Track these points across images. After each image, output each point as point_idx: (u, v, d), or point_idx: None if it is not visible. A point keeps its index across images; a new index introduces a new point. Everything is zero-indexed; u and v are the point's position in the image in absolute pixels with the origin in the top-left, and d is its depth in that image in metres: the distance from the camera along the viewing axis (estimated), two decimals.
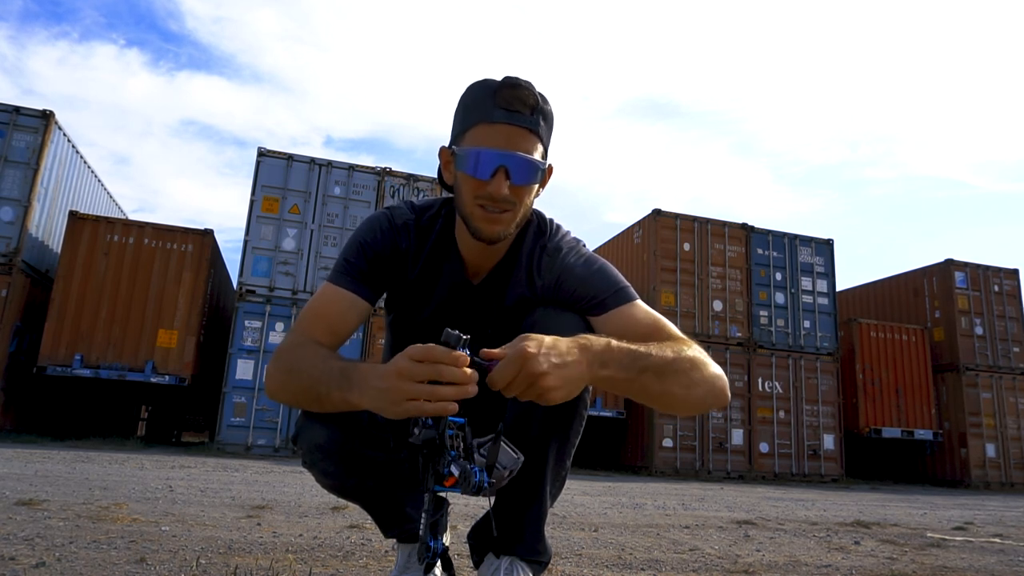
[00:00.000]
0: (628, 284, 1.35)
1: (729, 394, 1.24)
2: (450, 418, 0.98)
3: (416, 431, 0.98)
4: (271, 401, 9.68)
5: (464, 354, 0.97)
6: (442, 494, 1.00)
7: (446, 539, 1.14)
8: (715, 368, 1.21)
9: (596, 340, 1.11)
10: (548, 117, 1.25)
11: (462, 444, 0.98)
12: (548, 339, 1.04)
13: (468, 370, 0.97)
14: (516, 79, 1.20)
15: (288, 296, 9.90)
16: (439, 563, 1.06)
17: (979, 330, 13.19)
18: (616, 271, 1.37)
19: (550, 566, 1.98)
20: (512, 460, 1.02)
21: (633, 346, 1.13)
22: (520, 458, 1.03)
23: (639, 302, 1.32)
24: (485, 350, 1.03)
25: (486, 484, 0.96)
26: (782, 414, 11.48)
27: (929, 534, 3.76)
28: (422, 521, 0.99)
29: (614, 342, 1.12)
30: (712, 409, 1.25)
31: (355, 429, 1.31)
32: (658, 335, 1.25)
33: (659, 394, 1.15)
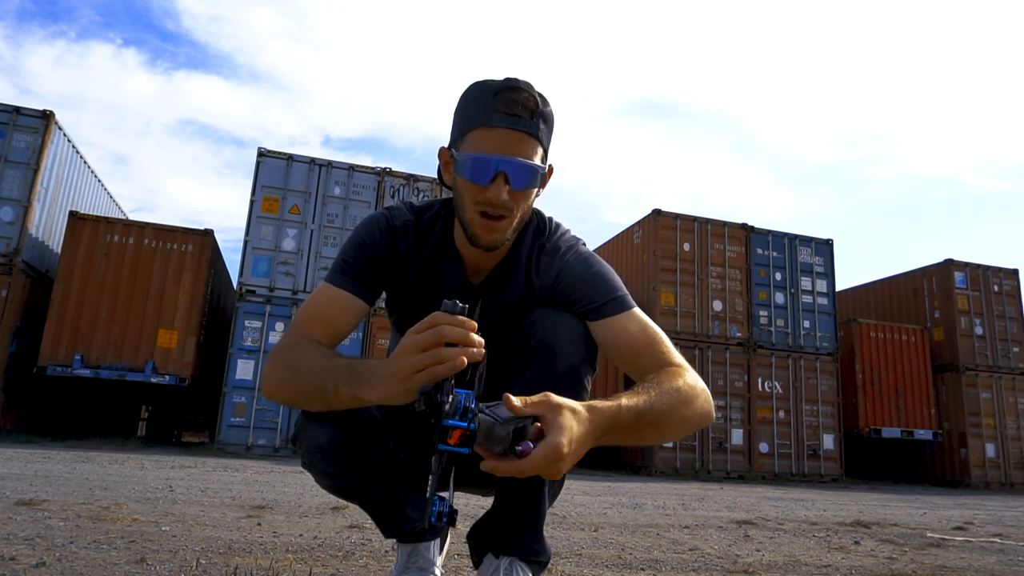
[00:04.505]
0: (625, 291, 1.34)
1: (714, 415, 1.25)
2: (456, 390, 0.94)
3: (417, 403, 0.95)
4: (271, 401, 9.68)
5: (467, 319, 0.95)
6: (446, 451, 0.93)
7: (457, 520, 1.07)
8: (704, 399, 1.21)
9: (605, 409, 1.04)
10: (548, 119, 1.24)
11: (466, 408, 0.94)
12: (574, 428, 0.97)
13: (475, 336, 0.94)
14: (516, 81, 1.20)
15: (288, 296, 9.90)
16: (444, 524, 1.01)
17: (979, 330, 13.19)
18: (615, 275, 1.36)
19: (550, 566, 1.98)
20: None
21: (639, 403, 1.08)
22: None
23: (635, 311, 1.31)
24: (507, 395, 0.96)
25: (503, 432, 0.91)
26: (782, 414, 11.48)
27: (929, 534, 3.76)
28: (429, 483, 0.94)
29: (624, 404, 1.06)
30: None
31: (354, 430, 1.31)
32: (652, 352, 1.26)
33: (653, 439, 1.17)
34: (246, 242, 9.94)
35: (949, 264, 13.38)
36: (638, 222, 12.29)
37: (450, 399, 0.93)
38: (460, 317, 0.95)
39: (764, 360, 11.61)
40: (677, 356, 1.27)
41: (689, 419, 1.18)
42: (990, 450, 12.58)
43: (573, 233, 1.43)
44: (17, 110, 9.46)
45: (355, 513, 3.13)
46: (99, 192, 12.45)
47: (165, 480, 4.51)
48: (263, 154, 10.22)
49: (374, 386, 1.03)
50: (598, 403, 1.03)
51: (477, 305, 1.39)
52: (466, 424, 0.92)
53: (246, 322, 9.67)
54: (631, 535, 3.04)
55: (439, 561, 1.58)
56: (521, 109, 1.19)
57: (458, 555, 2.12)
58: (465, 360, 0.93)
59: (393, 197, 10.53)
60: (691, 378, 1.21)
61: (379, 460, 1.36)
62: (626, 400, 1.08)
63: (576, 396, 1.31)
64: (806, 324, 12.06)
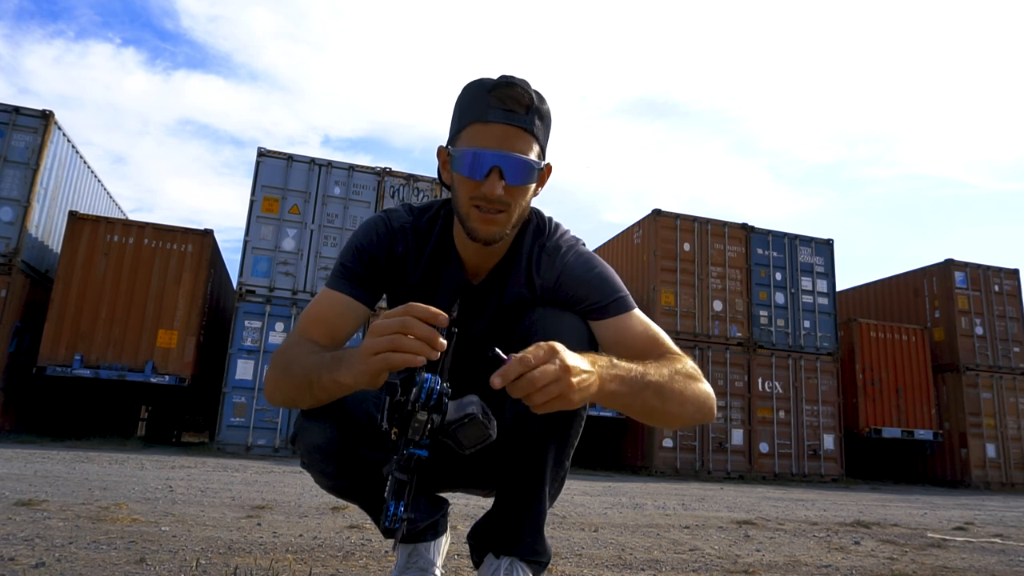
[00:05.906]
0: (627, 292, 1.35)
1: (716, 411, 1.27)
2: (426, 374, 0.92)
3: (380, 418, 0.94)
4: None
5: (441, 312, 0.93)
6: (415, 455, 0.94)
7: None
8: (706, 386, 1.24)
9: (600, 356, 1.10)
10: (544, 116, 1.24)
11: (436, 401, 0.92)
12: (564, 349, 1.00)
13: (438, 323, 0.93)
14: (511, 78, 1.20)
15: (288, 296, 9.89)
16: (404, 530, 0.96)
17: (979, 330, 13.19)
18: (616, 276, 1.37)
19: (550, 566, 1.98)
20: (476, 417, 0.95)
21: (633, 364, 1.13)
22: (492, 434, 0.97)
23: (637, 311, 1.33)
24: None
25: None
26: (782, 414, 11.48)
27: (929, 534, 3.76)
28: (389, 483, 0.93)
29: (615, 359, 1.11)
30: (698, 424, 1.28)
31: (354, 430, 1.31)
32: (655, 348, 1.28)
33: (657, 410, 1.17)
34: (246, 242, 9.93)
35: (949, 264, 13.38)
36: (638, 222, 12.29)
37: (415, 388, 0.91)
38: (435, 312, 0.93)
39: (764, 360, 11.60)
40: (679, 351, 1.30)
41: (691, 398, 1.20)
42: (991, 450, 12.58)
43: (573, 233, 1.43)
44: (16, 110, 9.46)
45: (355, 513, 3.12)
46: (99, 192, 12.44)
47: (165, 480, 4.50)
48: (263, 154, 10.21)
49: (349, 369, 1.03)
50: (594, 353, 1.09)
51: (488, 304, 1.39)
52: (424, 452, 0.92)
53: (246, 322, 9.66)
54: (631, 535, 3.04)
55: (439, 561, 1.58)
56: (516, 105, 1.19)
57: (458, 555, 2.12)
58: (423, 359, 0.92)
59: (393, 197, 10.53)
60: (692, 366, 1.25)
61: (378, 460, 1.36)
62: (620, 360, 1.12)
63: None
64: (806, 324, 12.05)
